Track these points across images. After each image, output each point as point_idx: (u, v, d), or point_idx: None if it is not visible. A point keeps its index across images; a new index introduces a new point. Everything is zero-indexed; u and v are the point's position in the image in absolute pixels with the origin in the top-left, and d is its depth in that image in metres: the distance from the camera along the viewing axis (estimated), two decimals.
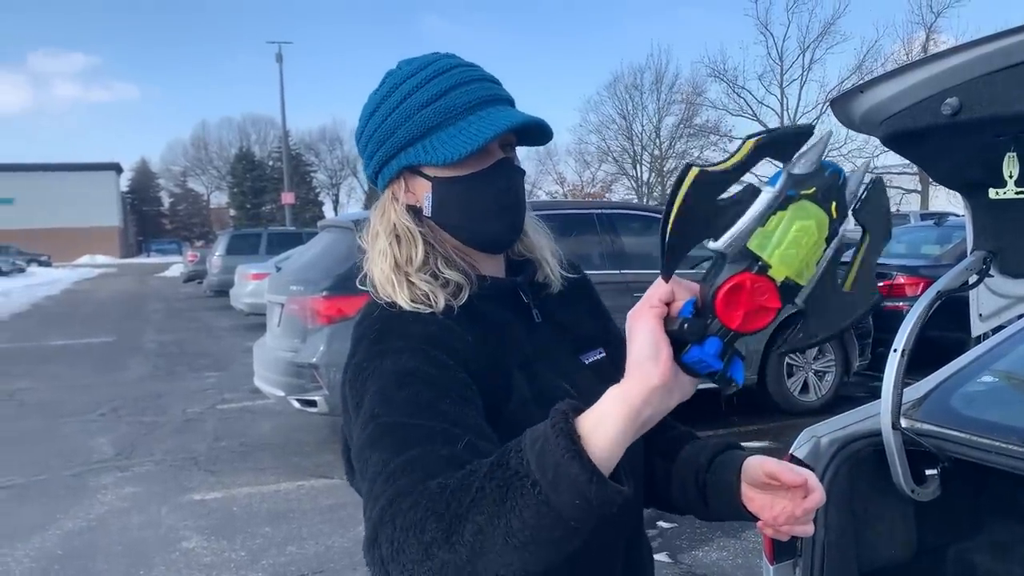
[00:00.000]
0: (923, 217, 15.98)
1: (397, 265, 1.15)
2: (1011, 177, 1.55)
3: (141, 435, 7.28)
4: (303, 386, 5.99)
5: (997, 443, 1.74)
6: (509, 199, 1.19)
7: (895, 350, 1.83)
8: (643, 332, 0.82)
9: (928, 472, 1.87)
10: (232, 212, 58.21)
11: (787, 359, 7.14)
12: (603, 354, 1.26)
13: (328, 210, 58.06)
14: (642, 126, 40.10)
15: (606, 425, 0.81)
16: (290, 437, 7.04)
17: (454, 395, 1.01)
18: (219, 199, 63.00)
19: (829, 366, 7.34)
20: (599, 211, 7.02)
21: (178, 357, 11.90)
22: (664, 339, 0.82)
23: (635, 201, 34.14)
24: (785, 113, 35.26)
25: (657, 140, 39.97)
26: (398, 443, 0.94)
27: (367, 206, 9.41)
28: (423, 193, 1.17)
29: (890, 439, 1.81)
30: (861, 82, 1.65)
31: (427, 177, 1.16)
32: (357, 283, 1.21)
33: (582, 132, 43.38)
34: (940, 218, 10.23)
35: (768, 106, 35.98)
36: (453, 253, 1.18)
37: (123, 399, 8.86)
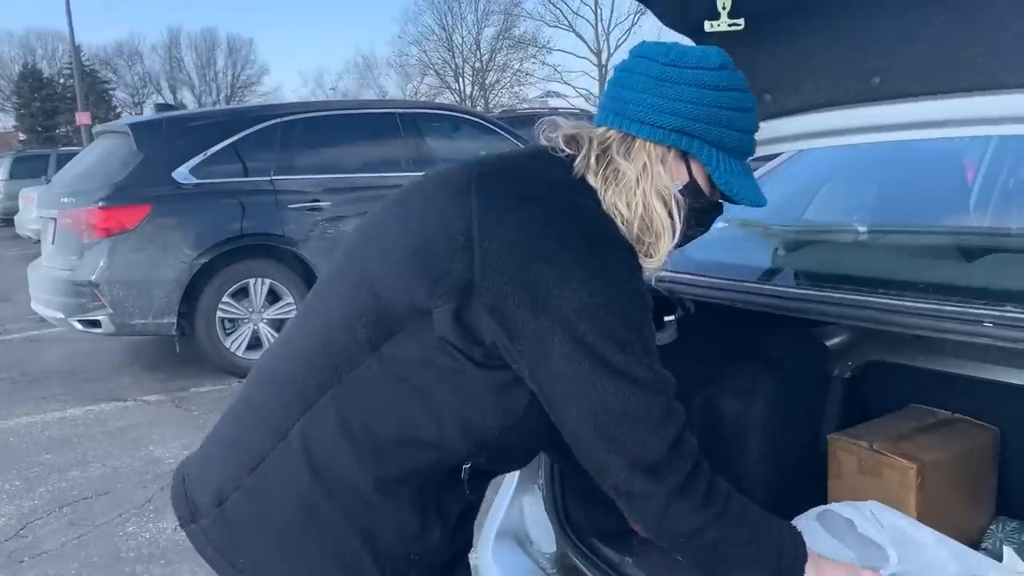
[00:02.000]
0: None
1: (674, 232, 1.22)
2: (723, 8, 1.55)
3: None
4: (84, 306, 5.56)
5: (729, 281, 1.79)
6: (699, 235, 1.33)
7: None
8: None
9: (666, 319, 1.90)
10: (21, 136, 53.03)
11: (220, 310, 5.77)
12: None
13: None
14: (462, 37, 39.56)
15: None
16: (79, 363, 6.57)
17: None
18: (5, 122, 57.16)
19: (289, 312, 5.92)
20: (401, 111, 6.81)
21: None
22: None
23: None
24: (599, 24, 35.77)
25: (478, 52, 39.65)
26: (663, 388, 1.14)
27: (158, 112, 8.65)
28: (676, 181, 1.23)
29: None
30: None
31: (690, 173, 1.23)
32: (601, 197, 1.21)
33: (402, 44, 42.32)
34: None
35: (583, 17, 36.42)
36: None
37: None
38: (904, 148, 2.18)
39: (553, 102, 38.12)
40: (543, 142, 1.27)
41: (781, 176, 2.21)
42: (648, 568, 1.50)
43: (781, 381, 2.19)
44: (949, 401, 2.12)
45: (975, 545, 1.97)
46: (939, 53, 1.53)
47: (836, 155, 2.17)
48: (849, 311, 1.54)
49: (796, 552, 1.21)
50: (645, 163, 1.20)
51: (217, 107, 17.13)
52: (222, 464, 1.26)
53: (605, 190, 1.20)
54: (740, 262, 1.95)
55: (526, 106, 36.73)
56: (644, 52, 1.24)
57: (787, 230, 2.17)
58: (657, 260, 1.22)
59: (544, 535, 1.70)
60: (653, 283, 1.87)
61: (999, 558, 1.80)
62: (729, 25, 1.55)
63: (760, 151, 1.93)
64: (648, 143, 1.21)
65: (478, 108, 38.13)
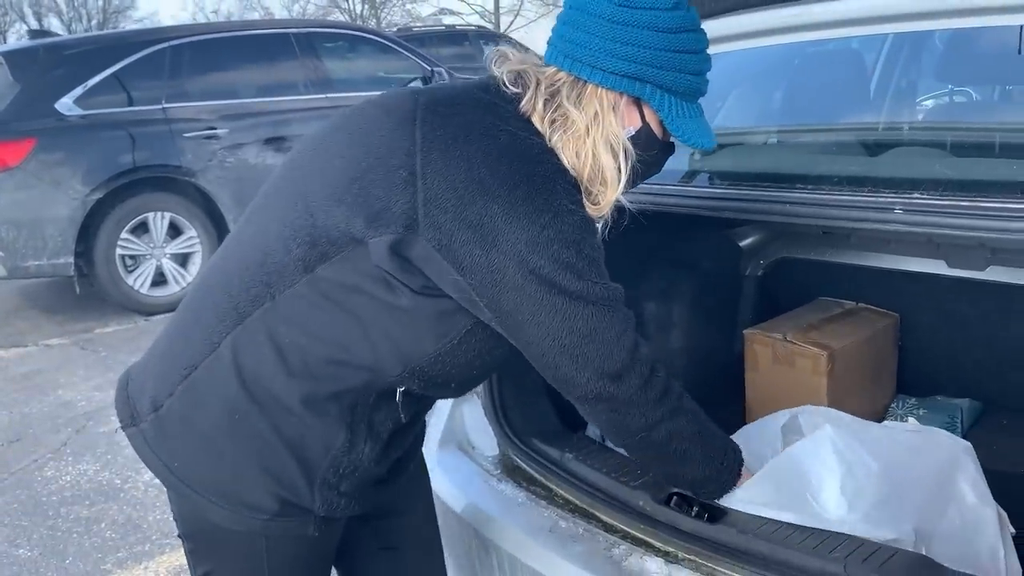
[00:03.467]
0: None
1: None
2: None
3: None
4: None
5: (646, 184, 1.83)
6: (651, 175, 1.34)
7: None
8: None
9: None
10: None
11: (120, 248, 5.51)
12: None
13: None
14: None
15: None
16: None
17: None
18: None
19: (192, 246, 5.78)
20: (296, 31, 6.55)
21: None
22: None
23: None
24: None
25: None
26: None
27: (33, 39, 8.09)
28: (629, 126, 1.23)
29: None
30: None
31: (642, 117, 1.24)
32: (550, 143, 1.20)
33: None
34: None
35: None
36: None
37: None
38: (805, 50, 2.26)
39: (447, 20, 37.29)
40: (494, 73, 1.24)
41: None
42: (587, 462, 1.57)
43: (699, 281, 2.28)
44: (853, 292, 2.26)
45: (880, 421, 2.14)
46: None
47: (742, 60, 2.22)
48: (768, 207, 1.61)
49: (736, 456, 1.33)
50: (597, 112, 1.20)
51: (102, 32, 15.90)
52: (159, 370, 1.27)
53: (552, 135, 1.20)
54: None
55: (420, 24, 35.85)
56: None
57: None
58: (601, 208, 1.23)
59: (485, 439, 1.75)
60: None
61: None
62: None
63: None
64: (600, 89, 1.20)
65: (370, 26, 36.97)
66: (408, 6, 38.29)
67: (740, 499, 1.30)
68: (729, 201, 1.72)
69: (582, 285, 1.13)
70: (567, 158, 1.19)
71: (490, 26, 33.08)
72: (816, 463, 1.29)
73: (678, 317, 2.26)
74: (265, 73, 6.23)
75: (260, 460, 1.20)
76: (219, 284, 1.25)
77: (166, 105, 5.71)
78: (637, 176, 1.27)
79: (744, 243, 2.35)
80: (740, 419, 2.16)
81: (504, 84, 1.22)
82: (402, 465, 1.37)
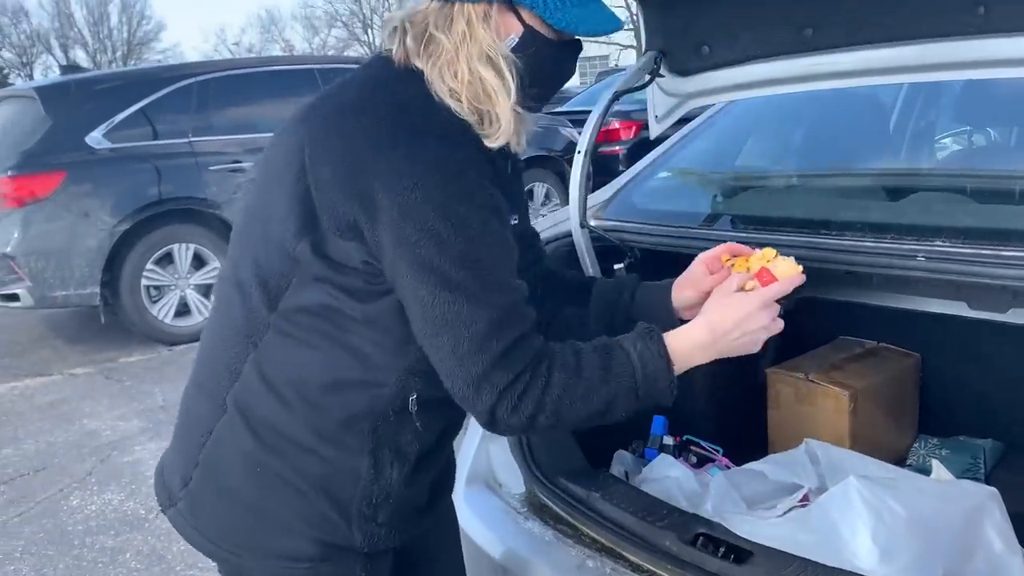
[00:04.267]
0: None
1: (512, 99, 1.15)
2: None
3: None
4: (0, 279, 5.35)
5: (672, 228, 1.88)
6: (568, 78, 1.26)
7: (579, 151, 1.90)
8: None
9: (616, 267, 1.99)
10: None
11: (145, 278, 5.64)
12: (516, 220, 1.29)
13: None
14: None
15: (697, 356, 1.22)
16: None
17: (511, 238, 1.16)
18: None
19: (216, 277, 5.63)
20: (319, 67, 6.68)
21: None
22: None
23: None
24: None
25: (386, 2, 38.71)
26: (498, 285, 1.11)
27: (64, 74, 8.29)
28: (509, 33, 1.16)
29: (578, 237, 1.90)
30: None
31: (521, 21, 1.16)
32: (427, 80, 1.15)
33: None
34: None
35: None
36: None
37: None
38: (824, 93, 2.30)
39: None
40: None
41: (713, 127, 2.31)
42: (613, 500, 1.59)
43: None
44: (874, 331, 2.28)
45: (902, 462, 2.15)
46: (867, 6, 1.63)
47: (762, 103, 2.27)
48: (792, 252, 1.64)
49: (647, 362, 1.15)
50: (463, 29, 1.14)
51: (129, 68, 16.28)
52: (182, 446, 1.29)
53: (431, 70, 1.15)
54: (682, 209, 2.04)
55: None
56: None
57: (724, 177, 2.28)
58: (501, 130, 1.15)
59: (512, 477, 1.78)
60: (603, 233, 1.96)
61: (924, 472, 1.97)
62: None
63: (699, 102, 2.02)
64: (466, 5, 1.14)
65: None
66: None
67: (769, 538, 1.32)
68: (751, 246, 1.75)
69: (441, 261, 1.06)
70: (446, 86, 1.14)
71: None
72: (846, 512, 1.31)
73: None
74: (289, 108, 6.27)
75: (292, 507, 1.20)
76: (210, 347, 1.28)
77: (192, 139, 5.83)
78: (542, 83, 1.21)
79: None
80: (762, 456, 2.18)
81: (385, 47, 1.21)
82: (439, 490, 1.36)
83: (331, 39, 39.54)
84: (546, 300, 1.39)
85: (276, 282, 1.17)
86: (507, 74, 1.14)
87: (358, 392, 1.18)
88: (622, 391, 1.14)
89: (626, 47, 34.72)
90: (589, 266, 1.93)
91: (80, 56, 51.36)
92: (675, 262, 2.05)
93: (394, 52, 1.18)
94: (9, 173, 5.28)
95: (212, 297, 1.34)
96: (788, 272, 1.27)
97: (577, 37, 1.20)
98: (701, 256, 1.38)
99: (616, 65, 30.16)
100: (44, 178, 5.29)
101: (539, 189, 7.79)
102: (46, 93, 5.69)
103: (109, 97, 5.72)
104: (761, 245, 1.74)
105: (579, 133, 7.21)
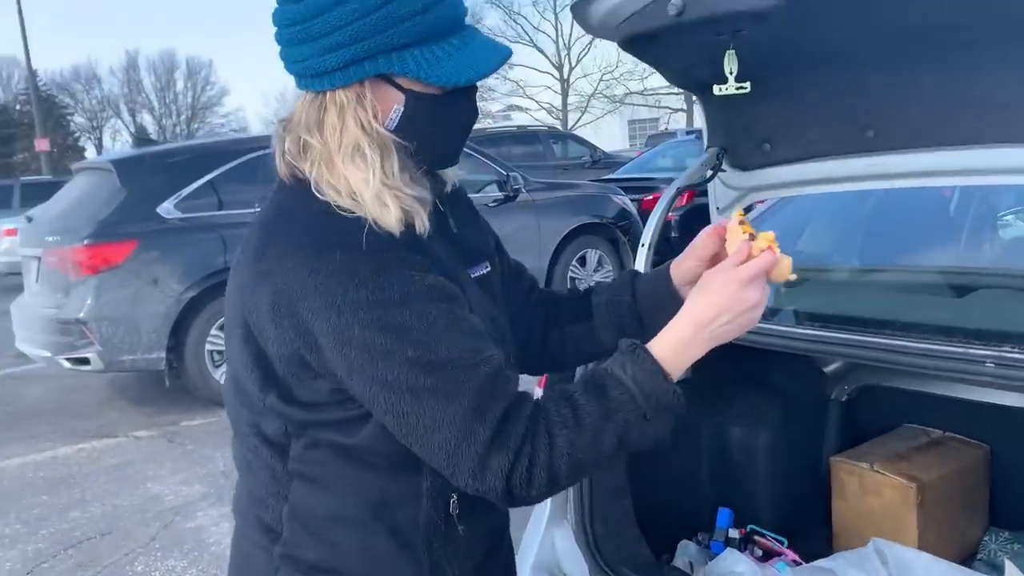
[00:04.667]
0: (688, 133, 17.01)
1: (385, 182, 1.07)
2: (731, 73, 1.67)
3: None
4: (72, 344, 5.54)
5: None
6: (472, 120, 1.19)
7: (643, 244, 1.95)
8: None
9: None
10: None
11: (209, 343, 5.84)
12: (488, 268, 1.26)
13: (92, 155, 53.23)
14: None
15: (689, 353, 1.10)
16: (66, 400, 6.53)
17: (465, 310, 1.09)
18: None
19: None
20: None
21: None
22: None
23: None
24: (560, 39, 36.05)
25: None
26: (461, 372, 1.03)
27: (137, 145, 8.71)
28: (392, 105, 1.10)
29: None
30: None
31: (400, 88, 1.09)
32: (314, 189, 1.08)
33: None
34: (701, 133, 10.91)
35: (544, 32, 36.61)
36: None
37: None
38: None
39: (516, 116, 38.36)
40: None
41: (774, 216, 2.34)
42: None
43: (783, 407, 2.32)
44: (940, 420, 2.27)
45: (972, 556, 2.11)
46: (928, 109, 1.67)
47: (820, 194, 2.30)
48: (857, 352, 1.66)
49: (643, 383, 1.07)
50: (334, 122, 1.09)
51: (198, 141, 16.98)
52: None
53: (316, 175, 1.09)
54: None
55: (490, 121, 36.91)
56: None
57: None
58: (392, 215, 1.06)
59: (577, 566, 1.80)
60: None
61: (996, 568, 1.94)
62: (736, 88, 1.68)
63: (760, 196, 2.07)
64: (337, 92, 1.08)
65: None
66: (479, 104, 39.34)
67: None
68: (815, 343, 1.78)
69: (397, 374, 1.01)
70: (331, 187, 1.08)
71: (557, 122, 33.90)
72: None
73: (763, 441, 2.29)
74: None
75: None
76: (248, 502, 1.24)
77: (257, 209, 6.00)
78: (446, 139, 1.16)
79: (829, 369, 2.39)
80: (827, 547, 2.17)
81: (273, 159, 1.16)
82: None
83: None
84: (550, 325, 1.39)
85: (278, 439, 1.15)
86: (374, 163, 1.07)
87: (399, 512, 1.15)
88: (630, 421, 1.06)
89: (676, 111, 35.00)
90: None
91: (147, 119, 53.41)
92: (736, 349, 2.09)
93: (278, 165, 1.15)
94: (85, 242, 5.52)
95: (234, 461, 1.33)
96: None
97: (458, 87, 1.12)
98: (709, 227, 1.29)
99: (666, 128, 30.36)
100: (117, 247, 5.52)
101: (591, 255, 7.86)
102: (122, 166, 5.96)
103: (180, 169, 5.97)
104: (826, 344, 1.77)
105: (630, 201, 7.26)
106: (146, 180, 5.86)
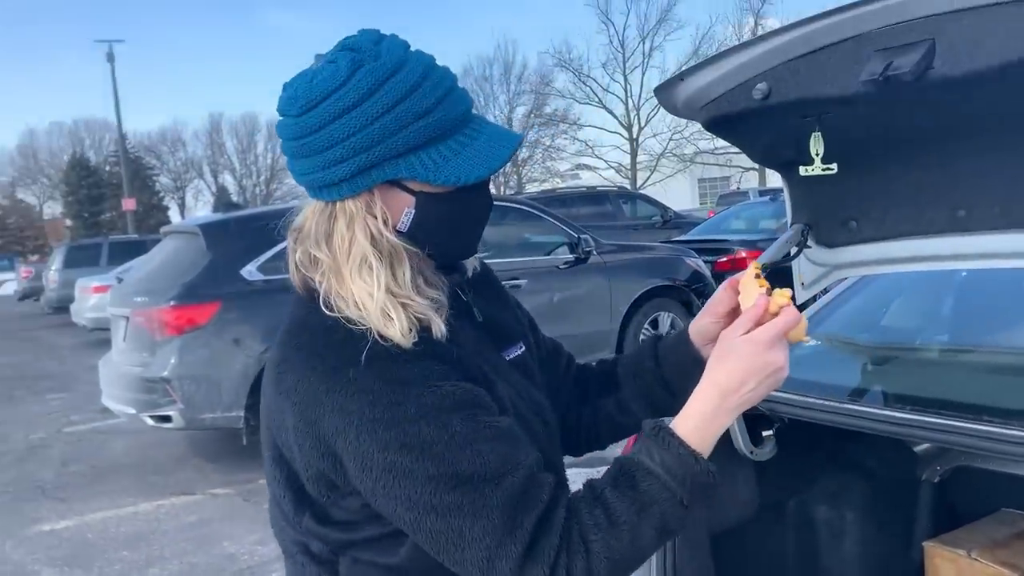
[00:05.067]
0: (761, 194, 16.89)
1: (391, 291, 1.06)
2: (817, 155, 1.67)
3: None
4: (155, 401, 5.73)
5: (822, 401, 1.88)
6: (487, 211, 1.17)
7: None
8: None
9: (764, 433, 1.99)
10: (68, 222, 54.68)
11: None
12: (523, 348, 1.25)
13: (175, 214, 55.49)
14: (495, 116, 40.40)
15: (717, 424, 1.06)
16: (146, 456, 6.72)
17: (491, 414, 1.05)
18: (53, 209, 59.05)
19: None
20: None
21: (16, 381, 11.08)
22: None
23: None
24: (629, 100, 36.39)
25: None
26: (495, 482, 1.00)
27: (217, 208, 9.05)
28: (403, 208, 1.09)
29: None
30: (681, 70, 1.73)
31: (410, 192, 1.08)
32: (322, 302, 1.07)
33: None
34: (775, 194, 10.85)
35: (613, 93, 37.06)
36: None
37: None
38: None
39: (584, 175, 38.69)
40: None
41: (861, 291, 2.31)
42: None
43: (871, 487, 2.25)
44: None
45: None
46: (1021, 189, 1.64)
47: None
48: (948, 437, 1.61)
49: (673, 469, 1.02)
50: (343, 232, 1.07)
51: (280, 206, 17.47)
52: None
53: (327, 287, 1.08)
54: (829, 381, 2.03)
55: (559, 181, 37.30)
56: (280, 109, 1.09)
57: (872, 347, 2.26)
58: (397, 326, 1.03)
59: None
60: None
61: None
62: (823, 170, 1.68)
63: (846, 273, 2.04)
64: (347, 202, 1.08)
65: (511, 183, 38.79)
66: (547, 163, 39.98)
67: None
68: (904, 427, 1.73)
69: (421, 493, 0.99)
70: (344, 300, 1.06)
71: (626, 182, 34.01)
72: None
73: (851, 523, 2.22)
74: None
75: None
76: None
77: None
78: (460, 233, 1.14)
79: (919, 448, 2.32)
80: None
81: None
82: None
83: None
84: (585, 402, 1.37)
85: (326, 556, 1.13)
86: (379, 275, 1.05)
87: None
88: (667, 512, 1.01)
89: (747, 169, 34.79)
90: (738, 434, 1.94)
91: (228, 180, 55.51)
92: (828, 435, 2.04)
93: (292, 276, 1.13)
94: (171, 303, 5.73)
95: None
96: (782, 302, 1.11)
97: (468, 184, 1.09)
98: (727, 281, 1.27)
99: (738, 187, 30.20)
100: (202, 308, 5.71)
101: (664, 318, 7.80)
102: (208, 230, 6.20)
103: (262, 233, 6.17)
104: (917, 428, 1.72)
105: (704, 263, 7.22)
106: (231, 244, 6.08)
